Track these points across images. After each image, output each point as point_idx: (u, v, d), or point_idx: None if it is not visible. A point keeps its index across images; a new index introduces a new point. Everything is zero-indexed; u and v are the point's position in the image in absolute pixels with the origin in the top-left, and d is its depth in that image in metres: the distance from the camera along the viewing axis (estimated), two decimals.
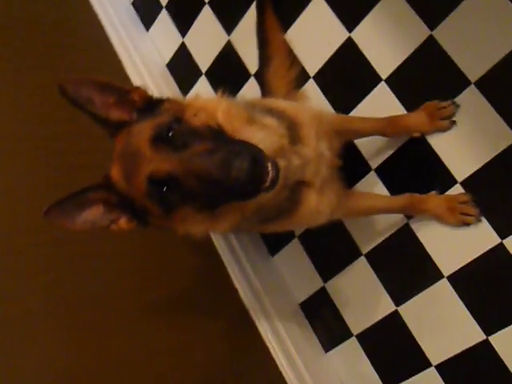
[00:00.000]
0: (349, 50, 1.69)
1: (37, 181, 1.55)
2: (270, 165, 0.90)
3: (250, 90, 1.98)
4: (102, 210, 1.05)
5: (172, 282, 1.71)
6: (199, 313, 1.72)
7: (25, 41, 1.94)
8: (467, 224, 1.48)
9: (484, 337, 1.49)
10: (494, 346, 1.47)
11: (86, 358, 1.37)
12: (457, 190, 1.50)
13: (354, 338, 1.79)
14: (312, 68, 1.80)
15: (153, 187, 0.96)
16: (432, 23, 1.50)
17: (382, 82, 1.62)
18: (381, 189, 1.66)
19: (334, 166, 1.31)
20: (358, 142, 1.69)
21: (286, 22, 1.83)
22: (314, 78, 1.80)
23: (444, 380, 1.58)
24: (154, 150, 0.95)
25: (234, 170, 0.84)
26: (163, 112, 1.02)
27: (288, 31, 1.84)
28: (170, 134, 0.96)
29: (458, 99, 1.47)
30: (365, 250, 1.73)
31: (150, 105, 1.05)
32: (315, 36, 1.78)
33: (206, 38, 2.15)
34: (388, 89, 1.61)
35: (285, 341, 1.84)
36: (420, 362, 1.62)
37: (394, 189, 1.63)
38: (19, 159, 1.57)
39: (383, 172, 1.66)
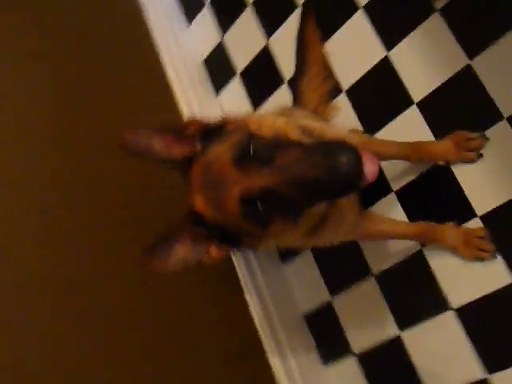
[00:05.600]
0: (384, 68, 1.68)
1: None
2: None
3: (280, 96, 1.99)
4: (191, 245, 1.02)
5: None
6: (202, 307, 1.73)
7: (67, 43, 1.95)
8: (481, 259, 1.45)
9: (485, 375, 1.46)
10: None
11: None
12: (475, 223, 1.48)
13: (354, 357, 1.78)
14: (346, 82, 1.79)
15: (247, 207, 0.94)
16: (471, 52, 1.48)
17: (414, 105, 1.60)
18: (399, 211, 1.64)
19: None
20: (381, 162, 1.67)
21: (326, 34, 1.83)
22: (346, 92, 1.79)
23: None
24: (241, 170, 0.93)
25: (344, 166, 0.83)
26: (230, 133, 1.00)
27: (326, 43, 1.83)
28: (252, 151, 0.94)
29: (488, 132, 1.45)
30: (375, 270, 1.72)
31: (209, 131, 1.03)
32: (352, 50, 1.78)
33: (245, 38, 2.16)
34: (419, 112, 1.59)
35: (284, 347, 1.84)
36: None
37: (411, 213, 1.62)
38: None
39: (403, 195, 1.64)
